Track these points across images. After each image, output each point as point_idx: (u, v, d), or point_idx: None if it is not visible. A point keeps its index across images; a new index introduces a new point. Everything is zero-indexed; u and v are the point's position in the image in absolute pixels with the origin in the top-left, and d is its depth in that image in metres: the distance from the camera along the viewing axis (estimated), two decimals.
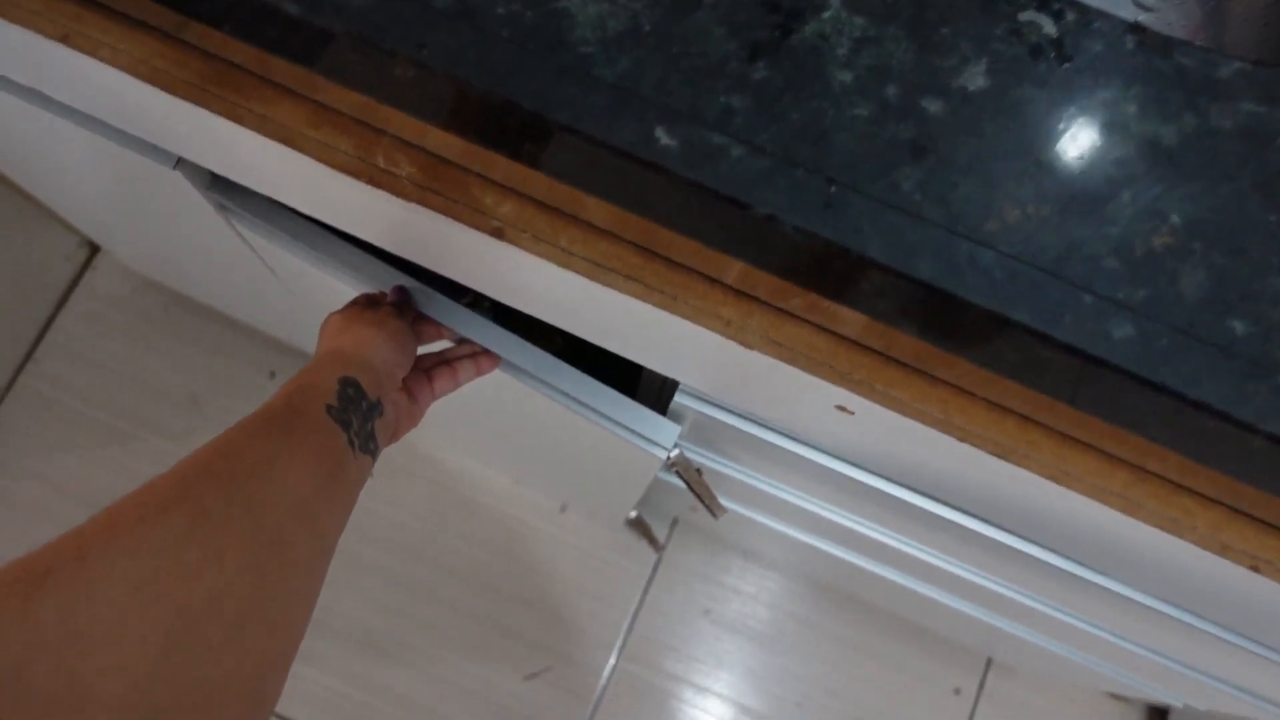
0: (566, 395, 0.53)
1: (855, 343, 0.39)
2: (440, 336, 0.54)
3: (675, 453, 0.55)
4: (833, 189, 0.26)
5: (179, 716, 0.27)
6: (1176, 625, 0.53)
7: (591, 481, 0.90)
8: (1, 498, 1.10)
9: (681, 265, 0.39)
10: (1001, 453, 0.39)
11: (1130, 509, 0.38)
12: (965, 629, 0.96)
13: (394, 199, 0.40)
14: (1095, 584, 0.53)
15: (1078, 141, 0.29)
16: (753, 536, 1.00)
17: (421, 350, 0.53)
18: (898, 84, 0.31)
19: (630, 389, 0.73)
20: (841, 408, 0.41)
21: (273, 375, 1.15)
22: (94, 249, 1.17)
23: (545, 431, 0.75)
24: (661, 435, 0.55)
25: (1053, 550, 0.52)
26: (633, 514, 1.11)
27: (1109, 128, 0.30)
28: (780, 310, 0.39)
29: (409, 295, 0.53)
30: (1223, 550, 0.38)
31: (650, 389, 0.65)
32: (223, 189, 0.60)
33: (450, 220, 0.40)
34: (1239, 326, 0.28)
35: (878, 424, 0.42)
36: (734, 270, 0.39)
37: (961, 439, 0.39)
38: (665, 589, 1.13)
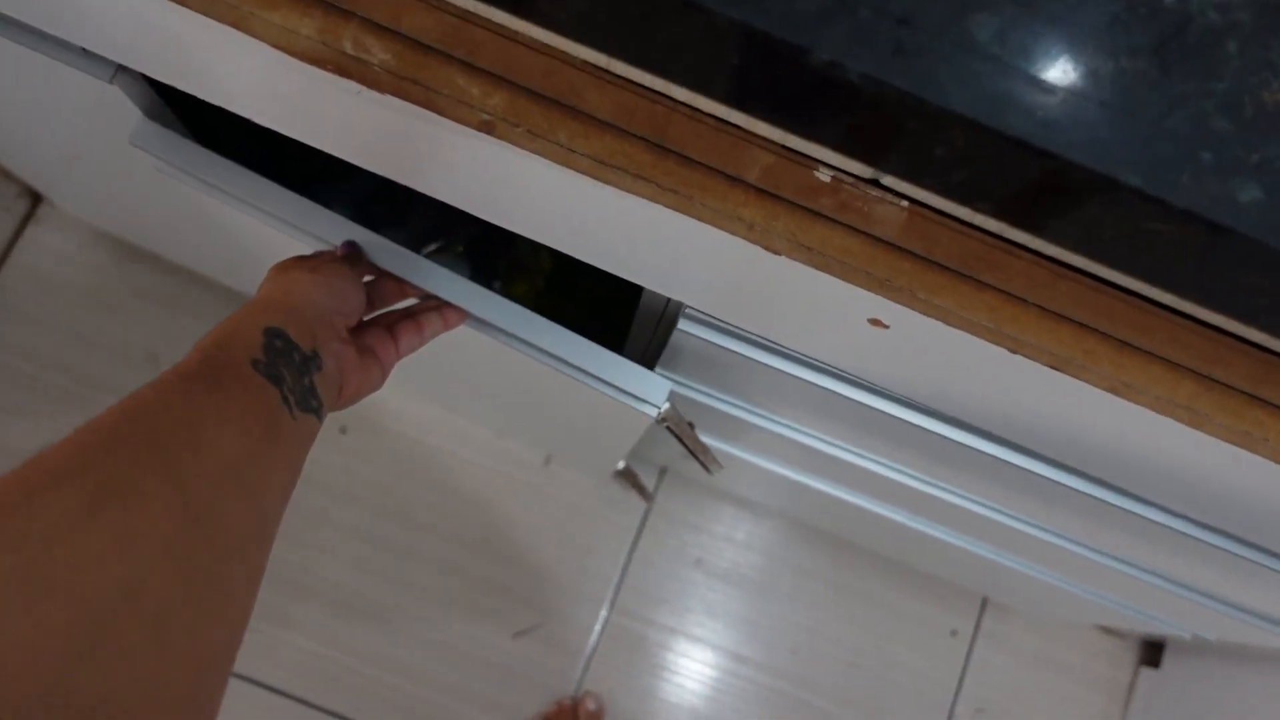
0: (546, 353, 0.49)
1: (894, 245, 0.35)
2: (403, 295, 0.49)
3: (667, 407, 0.51)
4: (902, 32, 0.22)
5: None
6: (1215, 554, 0.50)
7: (577, 435, 0.86)
8: None
9: (697, 162, 0.35)
10: (1057, 364, 0.35)
11: (1196, 422, 0.35)
12: (963, 568, 0.94)
13: (365, 93, 0.35)
14: (1129, 512, 0.49)
15: None
16: (746, 483, 0.97)
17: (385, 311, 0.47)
18: None
19: (620, 334, 0.69)
20: (875, 321, 0.37)
21: None
22: (36, 199, 1.09)
23: (527, 387, 0.70)
24: (651, 392, 0.51)
25: (1088, 477, 0.49)
26: (621, 465, 1.07)
27: None
28: (809, 210, 0.35)
29: (359, 248, 0.48)
30: None
31: (642, 333, 0.60)
32: (162, 117, 0.54)
33: (432, 116, 0.35)
34: None
35: (914, 339, 0.38)
36: (758, 165, 0.35)
37: (1013, 350, 0.35)
38: (655, 540, 1.10)
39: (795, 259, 0.35)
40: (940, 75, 0.21)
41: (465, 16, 0.34)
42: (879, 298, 0.35)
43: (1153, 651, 1.12)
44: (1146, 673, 1.10)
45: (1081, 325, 0.35)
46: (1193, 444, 0.36)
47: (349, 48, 0.34)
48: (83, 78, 0.49)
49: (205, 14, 0.34)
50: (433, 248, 1.00)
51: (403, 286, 0.48)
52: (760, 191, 0.35)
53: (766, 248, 0.35)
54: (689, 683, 1.07)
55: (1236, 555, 0.50)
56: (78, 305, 1.08)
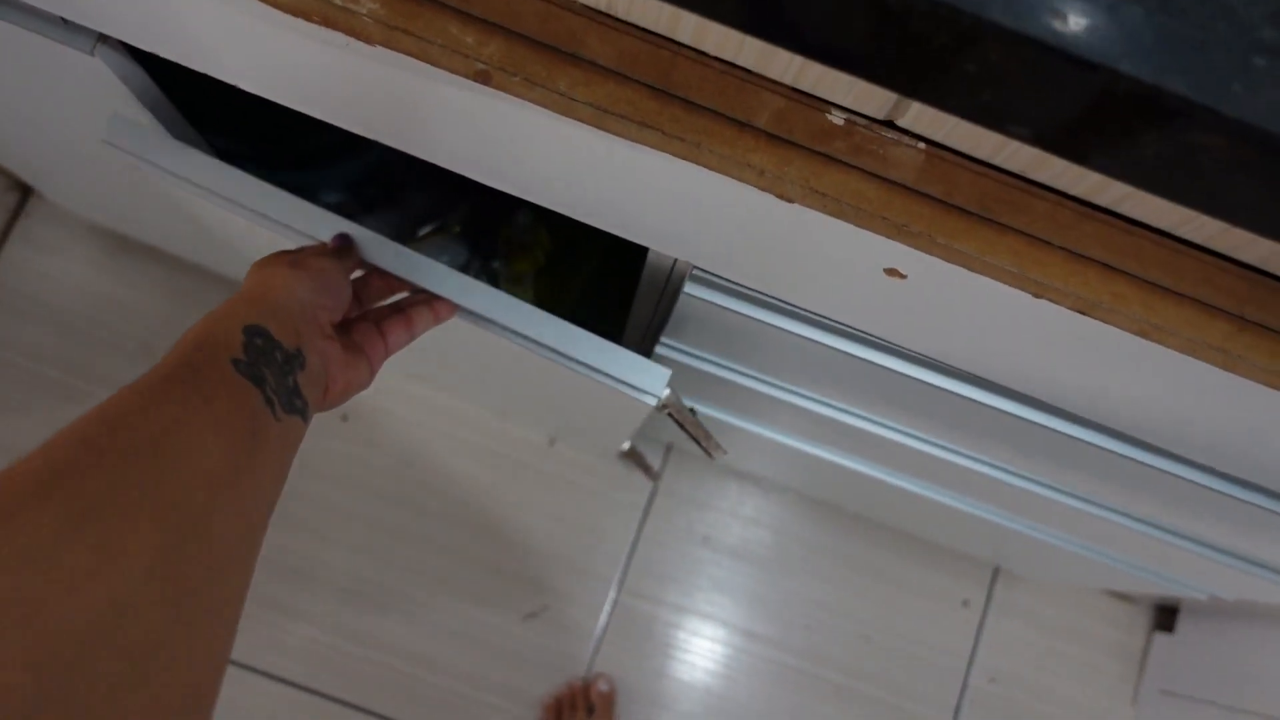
0: (539, 344, 0.47)
1: (911, 189, 0.34)
2: (392, 290, 0.47)
3: (667, 394, 0.50)
4: None
5: None
6: (1239, 508, 0.49)
7: (579, 418, 0.85)
8: None
9: (704, 108, 0.33)
10: (1083, 307, 0.33)
11: (1230, 364, 0.33)
12: (974, 537, 0.93)
13: (353, 45, 0.34)
14: (1152, 468, 0.48)
15: None
16: (753, 458, 0.96)
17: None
18: None
19: (625, 305, 0.67)
20: (892, 271, 0.36)
21: None
22: (25, 191, 1.08)
23: (525, 374, 0.69)
24: (650, 382, 0.48)
25: (1111, 433, 0.47)
26: (626, 445, 1.06)
27: None
28: (823, 155, 0.33)
29: (352, 241, 0.46)
30: None
31: (647, 302, 0.59)
32: (147, 95, 0.52)
33: (424, 67, 0.33)
34: None
35: (932, 289, 0.37)
36: (768, 109, 0.33)
37: (1037, 294, 0.33)
38: (662, 518, 1.09)
39: (809, 206, 0.33)
40: None
41: None
42: (896, 244, 0.34)
43: (1166, 616, 1.11)
44: (1160, 637, 1.09)
45: (1108, 267, 0.34)
46: (1225, 388, 0.35)
47: None
48: (61, 50, 0.47)
49: None
50: (428, 229, 0.99)
51: (391, 281, 0.46)
52: (771, 137, 0.33)
53: (779, 195, 0.33)
54: (701, 661, 1.06)
55: (1263, 509, 0.48)
56: (70, 298, 1.06)
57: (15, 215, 1.07)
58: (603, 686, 1.02)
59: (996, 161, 0.33)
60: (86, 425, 0.27)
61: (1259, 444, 0.40)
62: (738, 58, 0.33)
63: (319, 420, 1.05)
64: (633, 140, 0.33)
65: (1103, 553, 0.76)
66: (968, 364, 0.43)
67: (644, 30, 0.33)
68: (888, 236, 0.33)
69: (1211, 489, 0.48)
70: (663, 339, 0.59)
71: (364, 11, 0.33)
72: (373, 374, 0.42)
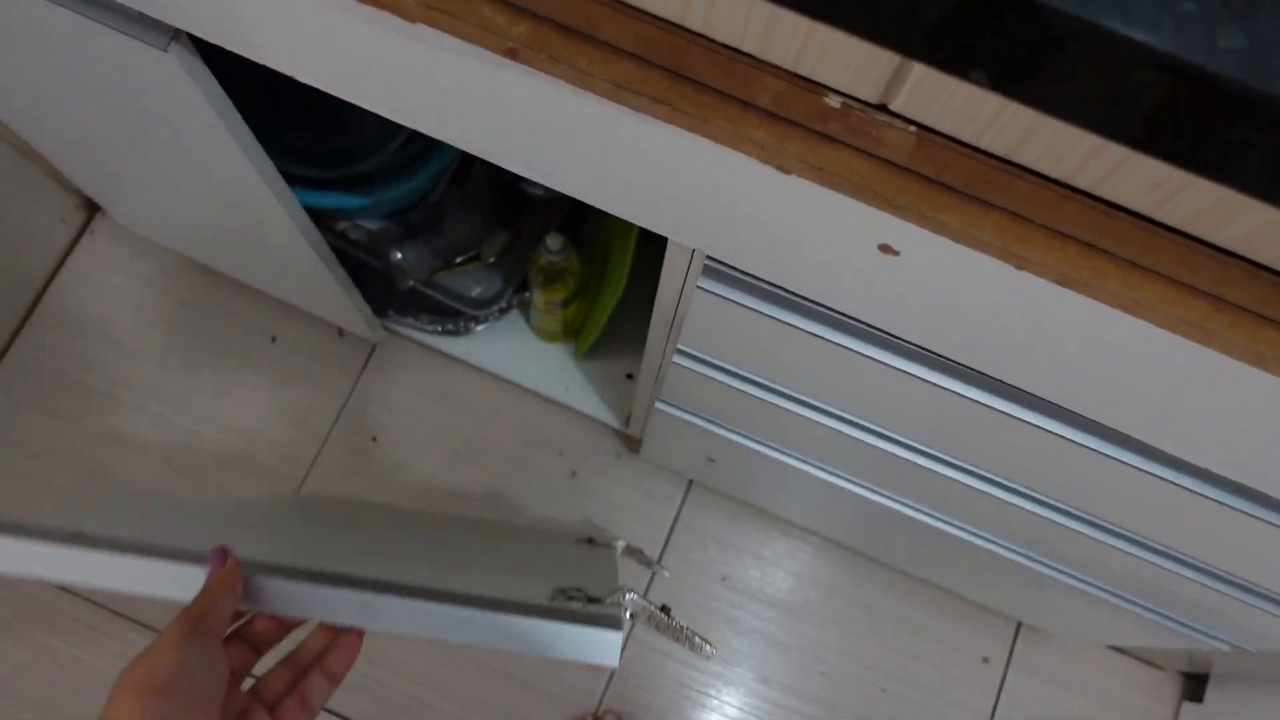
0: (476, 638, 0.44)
1: (902, 168, 0.36)
2: (286, 630, 0.44)
3: (634, 605, 0.49)
4: None
5: None
6: (1236, 519, 0.49)
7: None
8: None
9: (712, 88, 0.36)
10: (1063, 281, 0.35)
11: (1207, 339, 0.35)
12: (996, 585, 0.92)
13: (396, 23, 0.37)
14: (1153, 477, 0.49)
15: None
16: (772, 492, 0.96)
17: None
18: None
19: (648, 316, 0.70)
20: (885, 247, 0.38)
21: (274, 340, 1.12)
22: (91, 211, 1.14)
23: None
24: (603, 652, 0.46)
25: (1106, 437, 0.48)
26: (622, 545, 1.02)
27: None
28: (819, 134, 0.36)
29: (227, 561, 0.41)
30: None
31: (665, 312, 0.62)
32: (210, 92, 0.57)
33: (458, 43, 0.37)
34: None
35: (923, 266, 0.39)
36: (770, 91, 0.36)
37: (1019, 267, 0.35)
38: (680, 553, 1.09)
39: (806, 178, 0.36)
40: None
41: None
42: (888, 217, 0.36)
43: (1195, 686, 1.08)
44: (1189, 707, 1.06)
45: (1089, 245, 0.35)
46: (1203, 365, 0.36)
47: None
48: (135, 47, 0.52)
49: None
50: (463, 258, 1.03)
51: (283, 623, 0.43)
52: (772, 116, 0.36)
53: (778, 167, 0.36)
54: (712, 702, 1.05)
55: (1259, 519, 0.49)
56: (123, 312, 1.12)
57: (80, 233, 1.14)
58: None
59: (982, 144, 0.35)
60: None
61: (1236, 431, 0.41)
62: (742, 43, 0.36)
63: (349, 435, 1.08)
64: (644, 113, 0.36)
65: (1117, 593, 0.75)
66: (961, 352, 0.45)
67: (658, 18, 0.36)
68: (879, 209, 0.36)
69: (1207, 496, 0.48)
70: (681, 345, 0.61)
71: None
72: None
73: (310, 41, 0.43)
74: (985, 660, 1.08)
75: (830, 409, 0.62)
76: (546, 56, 0.36)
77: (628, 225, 0.84)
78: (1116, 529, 0.61)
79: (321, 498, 1.08)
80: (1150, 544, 0.61)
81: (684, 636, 0.53)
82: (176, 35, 0.51)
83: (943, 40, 0.28)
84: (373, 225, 0.98)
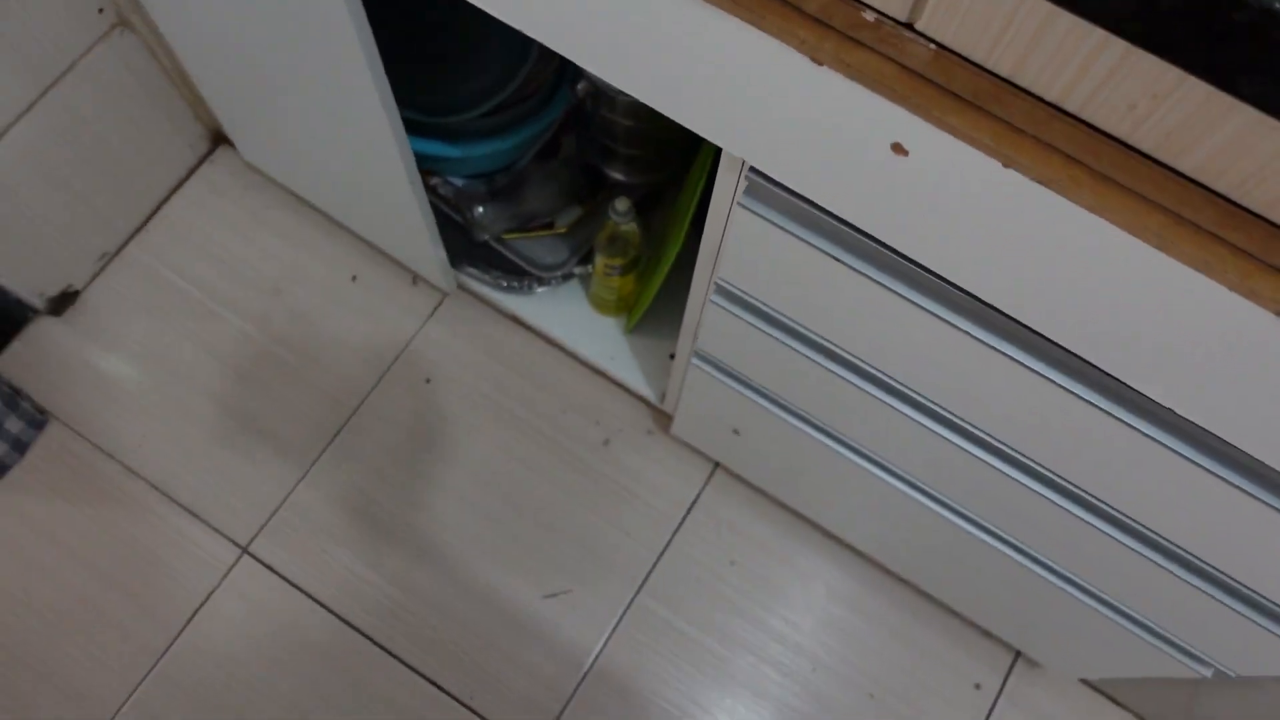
0: None
1: (919, 75, 0.43)
2: None
3: None
4: None
5: None
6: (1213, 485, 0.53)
7: None
8: (88, 347, 1.17)
9: None
10: (1044, 181, 0.41)
11: (1164, 245, 0.40)
12: (1001, 599, 0.95)
13: None
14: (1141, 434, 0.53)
15: None
16: (788, 476, 1.01)
17: None
18: None
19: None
20: (897, 146, 0.45)
21: (354, 278, 1.22)
22: (215, 144, 1.27)
23: None
24: None
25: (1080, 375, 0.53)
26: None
27: None
28: (853, 39, 0.43)
29: None
30: (1250, 295, 0.40)
31: (709, 245, 0.67)
32: (362, 30, 0.66)
33: None
34: None
35: (928, 165, 0.45)
36: (816, 2, 0.43)
37: (1005, 164, 0.42)
38: (695, 533, 1.14)
39: (834, 70, 0.43)
40: None
41: None
42: (902, 113, 0.43)
43: None
44: None
45: (1070, 157, 0.41)
46: (1155, 271, 0.41)
47: None
48: None
49: None
50: (537, 225, 1.12)
51: None
52: (816, 20, 0.43)
53: (813, 59, 0.43)
54: (702, 676, 1.08)
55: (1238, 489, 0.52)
56: (226, 236, 1.23)
57: (202, 160, 1.26)
58: None
59: (988, 65, 0.42)
60: None
61: (1189, 352, 0.45)
62: None
63: (407, 373, 1.16)
64: (710, 4, 0.44)
65: (1111, 600, 0.78)
66: (948, 261, 0.50)
67: None
68: (895, 103, 0.42)
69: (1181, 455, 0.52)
70: (720, 278, 0.68)
71: None
72: None
73: None
74: (977, 686, 1.10)
75: (855, 358, 0.67)
76: None
77: (687, 199, 0.92)
78: (1092, 497, 0.65)
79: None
80: (1137, 527, 0.64)
81: None
82: None
83: None
84: (459, 183, 1.08)
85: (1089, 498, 0.64)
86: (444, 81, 1.00)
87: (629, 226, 0.97)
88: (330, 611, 1.09)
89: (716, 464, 1.16)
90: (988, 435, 0.65)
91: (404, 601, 1.09)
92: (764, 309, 0.69)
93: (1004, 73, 0.42)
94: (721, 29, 0.45)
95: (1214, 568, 0.62)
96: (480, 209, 1.06)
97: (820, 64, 0.43)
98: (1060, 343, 0.50)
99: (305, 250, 1.23)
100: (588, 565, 1.12)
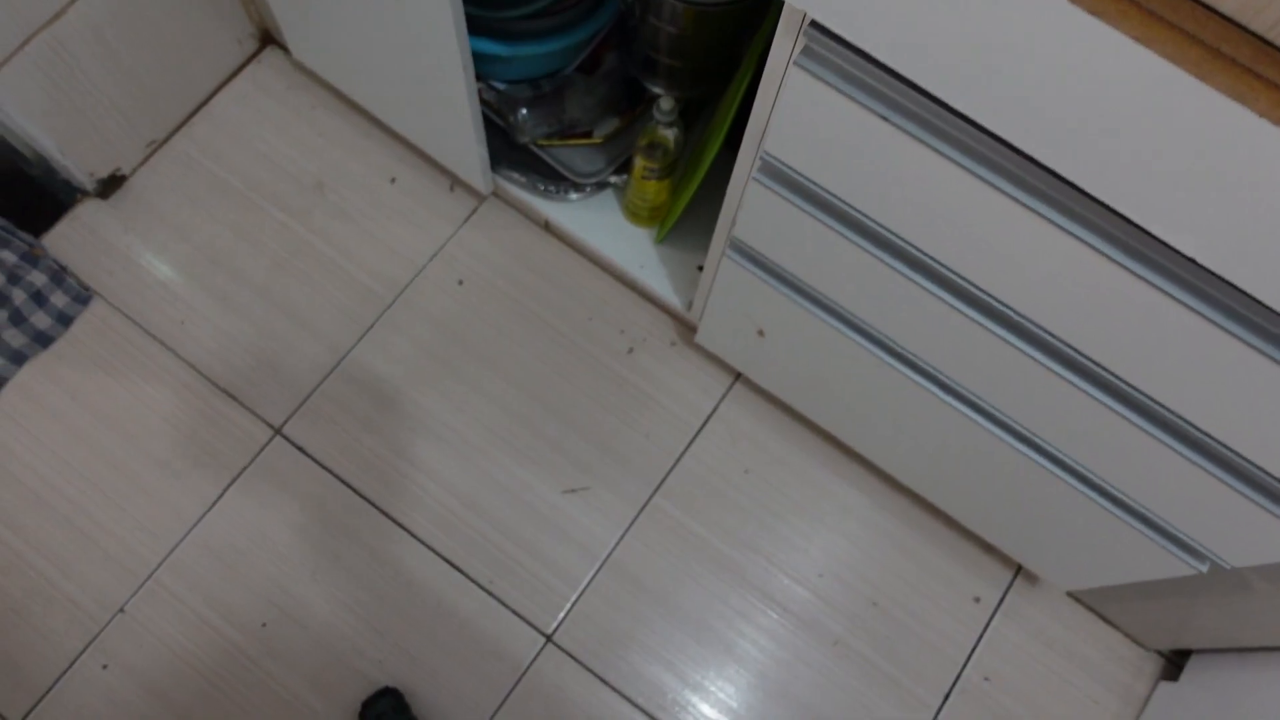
0: None
1: None
2: None
3: None
4: None
5: None
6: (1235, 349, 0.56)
7: None
8: (133, 231, 1.21)
9: None
10: (1094, 11, 0.44)
11: (1202, 74, 0.43)
12: (1003, 508, 0.98)
13: None
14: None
15: None
16: (809, 382, 1.04)
17: None
18: None
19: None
20: None
21: (393, 181, 1.25)
22: (263, 43, 1.29)
23: None
24: None
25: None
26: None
27: None
28: None
29: None
30: None
31: (761, 112, 0.70)
32: None
33: None
34: None
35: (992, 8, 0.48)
36: None
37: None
38: (712, 440, 1.17)
39: None
40: None
41: None
42: None
43: (1173, 669, 1.12)
44: (1165, 686, 1.10)
45: None
46: (1190, 99, 0.45)
47: None
48: None
49: None
50: (577, 133, 1.15)
51: None
52: None
53: None
54: (713, 576, 1.13)
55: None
56: (270, 132, 1.26)
57: (250, 59, 1.29)
58: None
59: None
60: None
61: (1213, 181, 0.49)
62: None
63: (441, 274, 1.20)
64: None
65: (1110, 486, 0.82)
66: (996, 110, 0.54)
67: None
68: None
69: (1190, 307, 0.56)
70: (767, 151, 0.71)
71: None
72: None
73: None
74: (976, 600, 1.14)
75: (898, 237, 0.70)
76: None
77: (726, 107, 0.95)
78: (1108, 373, 0.68)
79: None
80: (1146, 400, 0.68)
81: None
82: None
83: None
84: (502, 87, 1.11)
85: (1106, 374, 0.68)
86: None
87: (670, 130, 1.00)
88: (357, 493, 1.13)
89: (736, 377, 1.20)
90: (1014, 311, 0.69)
91: (428, 488, 1.13)
92: (810, 185, 0.72)
93: None
94: None
95: (1218, 441, 0.66)
96: (524, 111, 1.09)
97: None
98: (1096, 194, 0.54)
99: (347, 151, 1.26)
100: (607, 465, 1.16)
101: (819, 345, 0.92)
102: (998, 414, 0.83)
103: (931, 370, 0.84)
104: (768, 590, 1.13)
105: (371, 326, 1.19)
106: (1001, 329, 0.71)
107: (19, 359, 1.15)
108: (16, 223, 1.15)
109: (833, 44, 0.58)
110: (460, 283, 1.21)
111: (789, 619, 1.12)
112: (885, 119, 0.59)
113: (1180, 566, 0.83)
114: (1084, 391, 0.70)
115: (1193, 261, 0.53)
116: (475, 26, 1.00)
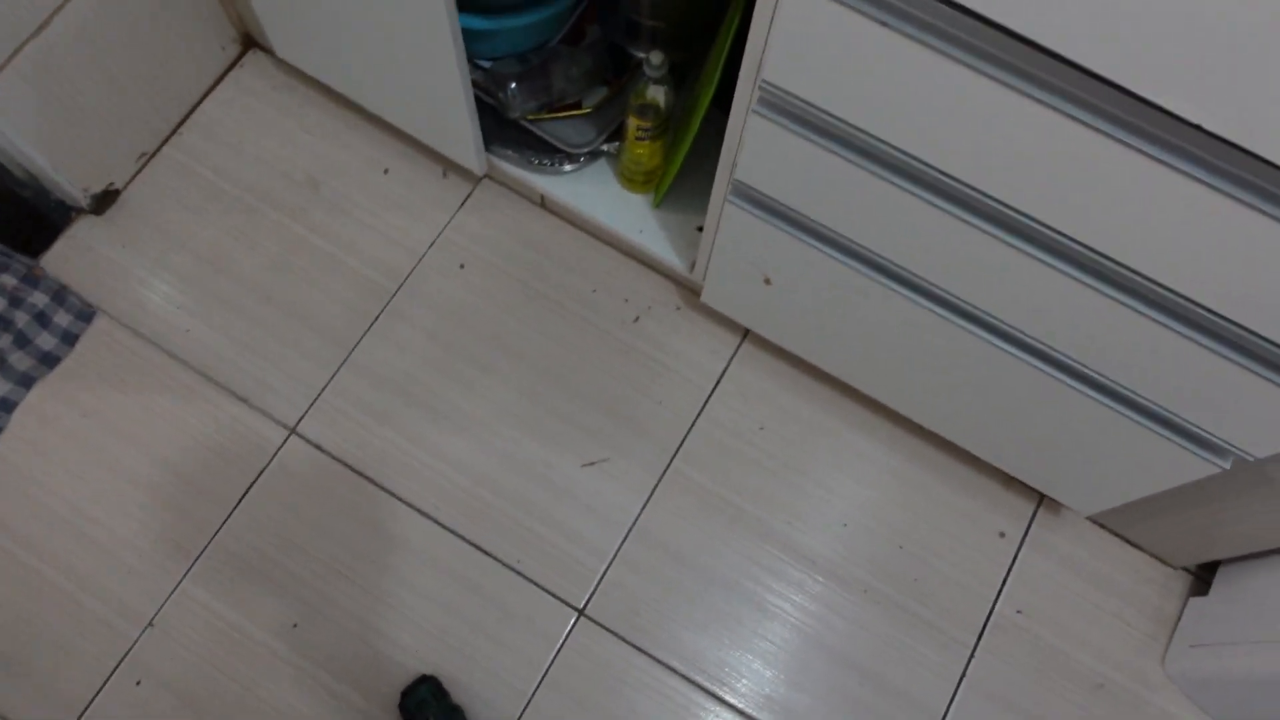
0: None
1: None
2: None
3: None
4: None
5: None
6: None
7: None
8: (131, 244, 1.21)
9: None
10: None
11: None
12: (1021, 434, 0.99)
13: None
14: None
15: None
16: (818, 330, 1.05)
17: None
18: None
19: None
20: None
21: (386, 172, 1.26)
22: (246, 47, 1.30)
23: None
24: None
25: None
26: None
27: None
28: None
29: None
30: None
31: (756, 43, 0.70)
32: None
33: None
34: None
35: None
36: None
37: None
38: (724, 402, 1.18)
39: None
40: None
41: None
42: None
43: (1201, 585, 1.12)
44: (1195, 601, 1.11)
45: None
46: None
47: None
48: None
49: None
50: (566, 104, 1.15)
51: None
52: None
53: None
54: (738, 535, 1.13)
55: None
56: (260, 134, 1.26)
57: (233, 64, 1.30)
58: None
59: None
60: None
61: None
62: None
63: (441, 260, 1.20)
64: None
65: (1138, 396, 0.82)
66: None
67: None
68: None
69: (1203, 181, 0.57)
70: (766, 80, 0.71)
71: None
72: None
73: None
74: (1001, 535, 1.14)
75: (907, 154, 0.70)
76: None
77: (714, 62, 0.95)
78: (1122, 266, 0.69)
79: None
80: (1160, 291, 0.69)
81: None
82: None
83: None
84: (488, 65, 1.11)
85: (1114, 264, 0.69)
86: None
87: (661, 87, 1.00)
88: (378, 486, 1.13)
89: (744, 336, 1.20)
90: (1019, 212, 0.69)
91: (448, 474, 1.13)
92: (810, 110, 0.72)
93: None
94: None
95: (1228, 319, 0.66)
96: (512, 85, 1.09)
97: None
98: (1100, 71, 0.55)
99: (338, 146, 1.26)
100: (624, 435, 1.16)
101: (826, 283, 0.92)
102: (1008, 328, 0.83)
103: (940, 292, 0.84)
104: (793, 544, 1.13)
105: (377, 318, 1.19)
106: (1005, 233, 0.72)
107: (27, 382, 1.15)
108: (13, 246, 1.15)
109: None
110: (462, 266, 1.22)
111: (818, 571, 1.12)
112: (884, 24, 0.60)
113: (1202, 467, 0.84)
114: (1092, 288, 0.71)
115: (1198, 128, 0.54)
116: (459, 3, 1.01)
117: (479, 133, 1.12)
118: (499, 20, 1.04)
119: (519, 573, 1.11)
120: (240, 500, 1.12)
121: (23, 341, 1.13)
